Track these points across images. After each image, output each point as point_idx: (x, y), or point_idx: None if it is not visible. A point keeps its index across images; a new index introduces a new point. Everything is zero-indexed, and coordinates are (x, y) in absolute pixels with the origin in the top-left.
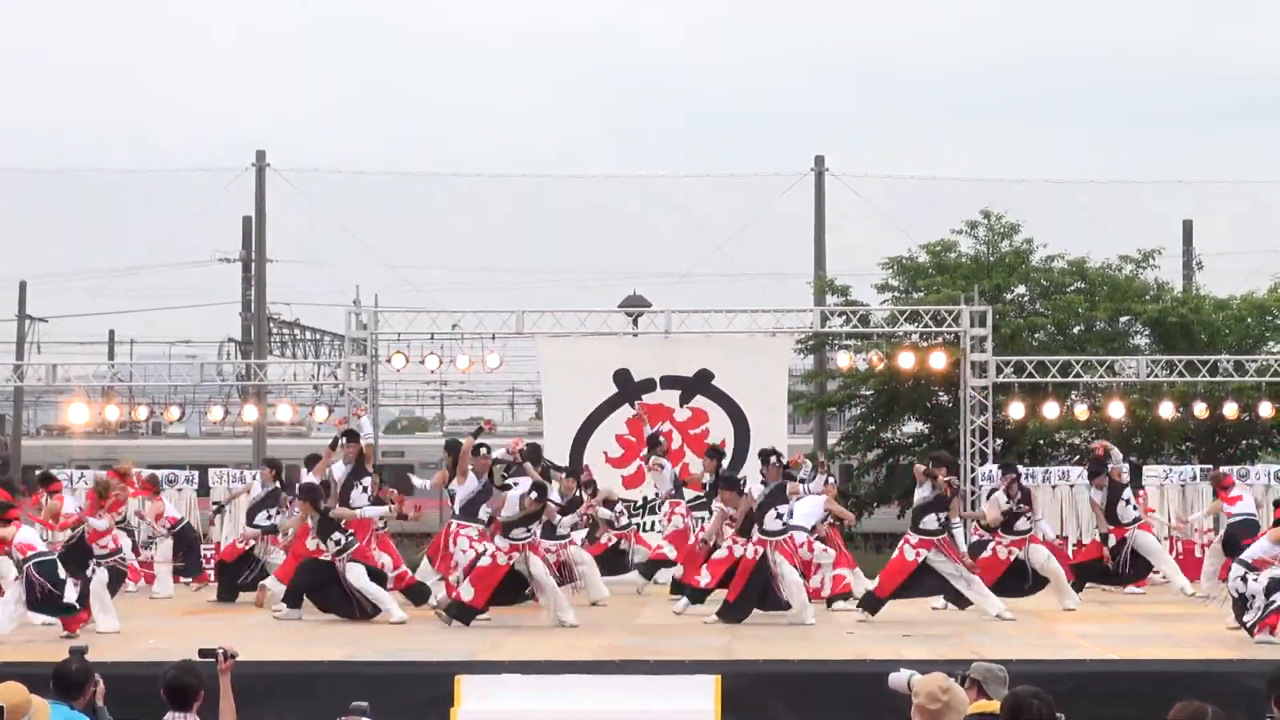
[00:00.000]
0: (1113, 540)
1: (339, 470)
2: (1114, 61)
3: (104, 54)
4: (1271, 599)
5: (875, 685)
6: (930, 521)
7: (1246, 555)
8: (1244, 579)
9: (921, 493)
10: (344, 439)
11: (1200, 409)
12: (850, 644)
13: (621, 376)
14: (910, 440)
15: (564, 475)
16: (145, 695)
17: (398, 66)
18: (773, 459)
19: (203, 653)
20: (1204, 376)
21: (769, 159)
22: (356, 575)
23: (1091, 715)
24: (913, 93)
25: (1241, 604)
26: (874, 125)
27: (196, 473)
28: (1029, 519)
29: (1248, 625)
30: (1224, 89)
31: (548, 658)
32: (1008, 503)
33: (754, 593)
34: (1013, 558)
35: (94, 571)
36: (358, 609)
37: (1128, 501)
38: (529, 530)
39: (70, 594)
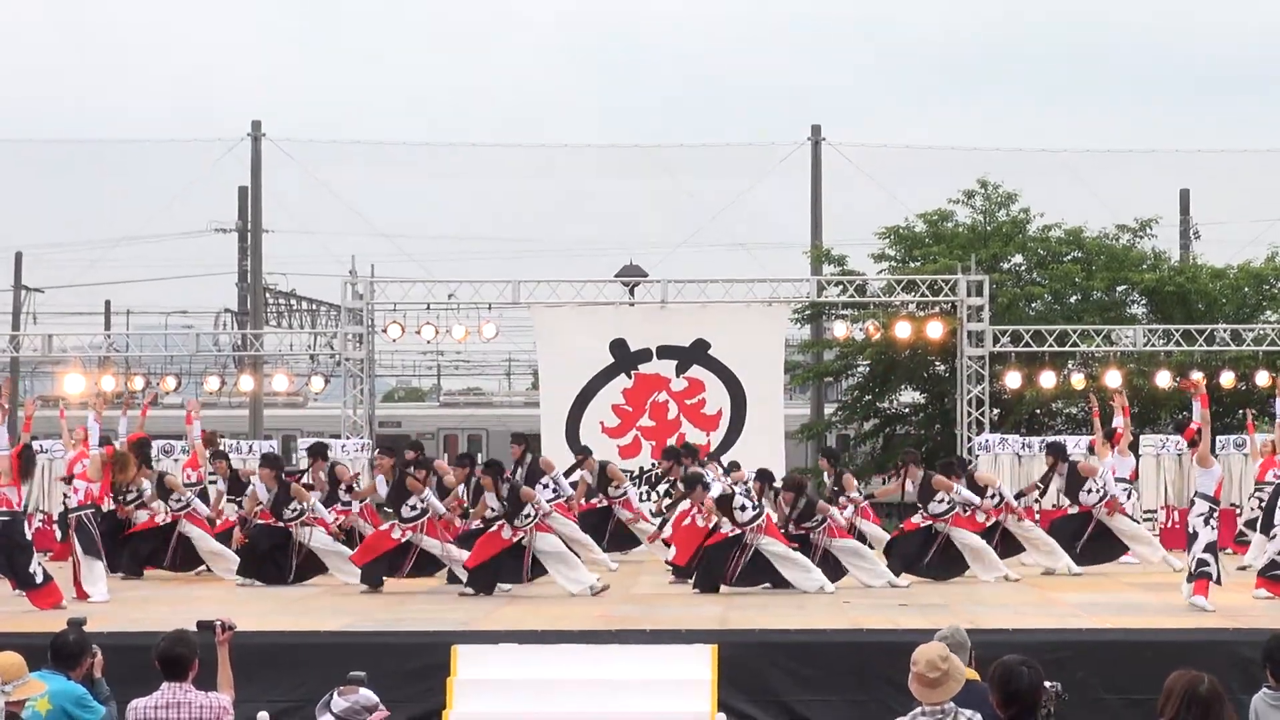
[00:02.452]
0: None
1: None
2: (1112, 30)
3: (97, 24)
4: (1204, 563)
5: (871, 654)
6: None
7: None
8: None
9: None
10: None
11: (1197, 378)
12: (846, 613)
13: (618, 346)
14: (907, 410)
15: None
16: (142, 666)
17: (394, 36)
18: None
19: (201, 625)
20: (1201, 346)
21: (766, 128)
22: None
23: (1088, 684)
24: (910, 62)
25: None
26: (871, 95)
27: None
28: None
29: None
30: (1221, 57)
31: (544, 627)
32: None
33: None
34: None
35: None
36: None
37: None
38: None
39: (35, 564)
